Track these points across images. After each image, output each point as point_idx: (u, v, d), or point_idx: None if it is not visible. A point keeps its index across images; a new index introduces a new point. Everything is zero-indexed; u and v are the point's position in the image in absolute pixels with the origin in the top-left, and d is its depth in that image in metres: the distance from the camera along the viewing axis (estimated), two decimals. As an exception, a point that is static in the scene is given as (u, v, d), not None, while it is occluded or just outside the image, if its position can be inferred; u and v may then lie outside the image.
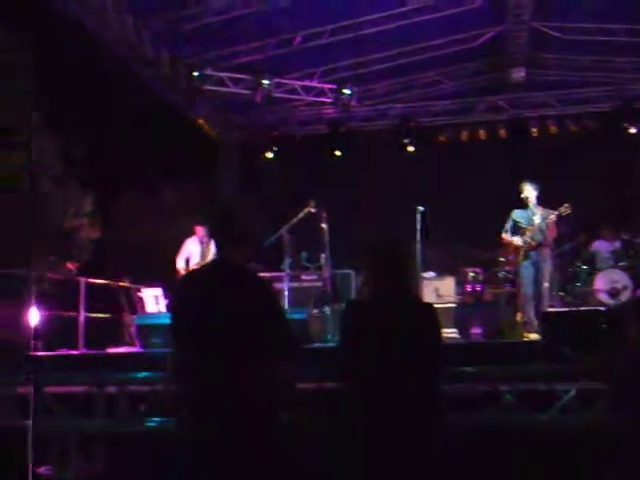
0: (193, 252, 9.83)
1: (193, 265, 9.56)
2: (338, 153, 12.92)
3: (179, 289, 3.80)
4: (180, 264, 9.80)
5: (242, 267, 3.61)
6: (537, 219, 8.64)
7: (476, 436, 4.91)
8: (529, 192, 8.72)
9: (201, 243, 9.84)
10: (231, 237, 3.62)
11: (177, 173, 11.51)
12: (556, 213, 8.65)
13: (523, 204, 8.81)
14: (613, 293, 9.85)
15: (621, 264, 10.47)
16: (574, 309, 8.84)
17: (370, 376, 3.68)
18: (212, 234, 3.84)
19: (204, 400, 3.40)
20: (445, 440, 3.73)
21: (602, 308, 8.26)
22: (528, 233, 8.69)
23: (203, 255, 9.64)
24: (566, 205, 8.68)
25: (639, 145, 12.07)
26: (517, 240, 8.77)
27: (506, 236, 8.90)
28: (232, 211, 3.81)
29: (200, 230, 9.81)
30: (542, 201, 8.89)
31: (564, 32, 11.24)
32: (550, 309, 8.29)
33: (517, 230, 8.84)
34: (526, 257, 8.69)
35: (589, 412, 5.05)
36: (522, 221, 8.80)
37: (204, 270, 4.10)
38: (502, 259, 9.89)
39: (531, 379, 5.51)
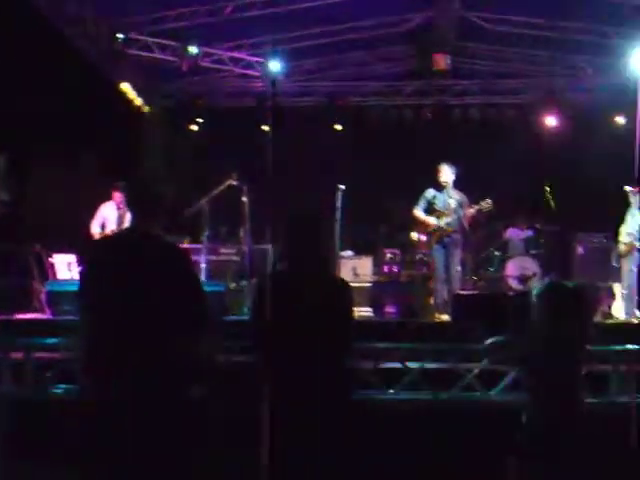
0: (109, 217, 9.63)
1: (109, 231, 9.38)
2: (264, 128, 12.83)
3: (91, 256, 3.69)
4: (95, 229, 9.59)
5: (157, 236, 3.56)
6: (453, 203, 8.75)
7: (380, 412, 5.01)
8: (447, 174, 8.82)
9: (118, 209, 9.66)
10: (145, 205, 3.57)
11: (98, 138, 11.21)
12: (476, 207, 8.80)
13: (440, 187, 8.91)
14: (523, 279, 10.17)
15: (532, 252, 10.83)
16: (484, 292, 9.09)
17: (280, 350, 3.70)
18: (129, 202, 3.76)
19: (113, 369, 3.32)
20: (352, 415, 3.79)
21: (511, 293, 8.53)
22: (444, 218, 8.77)
23: (120, 221, 9.46)
24: (488, 201, 8.82)
25: (555, 136, 12.45)
26: (432, 220, 8.83)
27: (418, 213, 8.94)
28: (147, 179, 3.76)
29: (117, 196, 9.61)
30: (460, 186, 9.06)
31: (491, 23, 11.45)
32: (461, 292, 8.51)
33: (431, 211, 8.92)
34: (439, 241, 8.80)
35: (491, 390, 5.23)
36: (437, 202, 8.86)
37: (118, 238, 4.02)
38: (415, 238, 9.99)
39: (438, 358, 5.67)
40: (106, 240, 3.86)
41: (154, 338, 3.33)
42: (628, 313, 8.93)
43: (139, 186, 3.70)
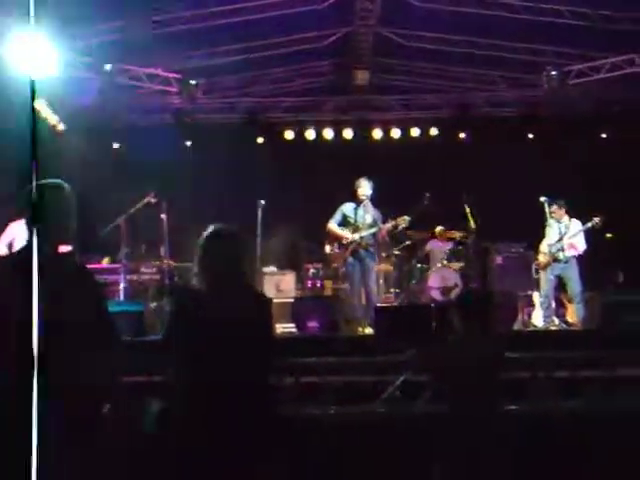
0: (18, 236, 9.28)
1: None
2: (184, 144, 12.73)
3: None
4: (2, 249, 9.24)
5: (59, 256, 3.45)
6: (369, 218, 8.80)
7: (306, 427, 4.97)
8: (365, 189, 8.85)
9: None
10: (49, 220, 3.41)
11: (14, 157, 10.85)
12: (392, 224, 8.86)
13: (357, 201, 8.93)
14: (444, 291, 10.32)
15: (453, 263, 11.00)
16: (405, 304, 9.18)
17: (198, 368, 3.63)
18: (30, 218, 3.61)
19: (20, 394, 3.21)
20: (275, 431, 3.73)
21: (432, 304, 8.62)
22: (359, 232, 8.79)
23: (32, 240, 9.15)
24: (404, 218, 8.89)
25: (470, 151, 12.73)
26: (346, 234, 8.80)
27: (332, 226, 8.93)
28: (51, 193, 3.51)
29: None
30: (381, 202, 9.12)
31: (407, 39, 11.64)
32: (382, 304, 8.56)
33: (346, 225, 8.93)
34: (353, 254, 8.78)
35: (413, 402, 5.24)
36: (352, 216, 8.88)
37: (17, 258, 3.87)
38: (329, 251, 9.97)
39: (361, 371, 5.67)
40: (5, 260, 3.67)
41: (64, 354, 3.23)
42: (546, 321, 9.16)
43: (37, 202, 3.53)
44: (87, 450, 3.26)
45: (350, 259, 8.78)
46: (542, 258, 9.48)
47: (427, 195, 9.72)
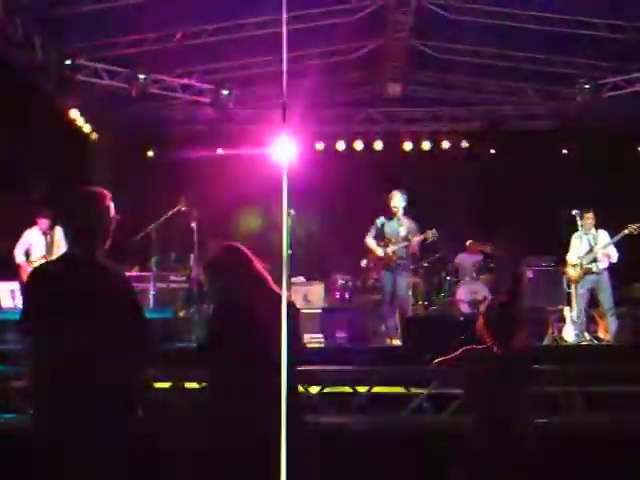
0: (35, 243, 9.42)
1: (38, 258, 9.14)
2: (216, 153, 12.79)
3: (32, 285, 3.57)
4: (20, 258, 9.36)
5: (96, 262, 3.50)
6: (402, 231, 8.85)
7: (327, 438, 4.94)
8: (398, 201, 8.91)
9: (44, 235, 9.46)
10: (82, 230, 3.51)
11: (47, 165, 11.01)
12: (422, 237, 8.90)
13: (391, 213, 8.98)
14: (473, 304, 10.23)
15: (482, 276, 10.92)
16: (434, 316, 9.12)
17: (234, 374, 3.67)
18: (67, 225, 3.67)
19: (60, 399, 3.26)
20: (301, 439, 3.73)
21: (461, 317, 8.56)
22: (391, 246, 8.86)
23: (49, 247, 9.27)
24: (433, 232, 8.93)
25: (499, 165, 12.64)
26: (379, 251, 8.95)
27: (369, 241, 9.07)
28: (83, 203, 3.63)
29: (43, 222, 9.43)
30: (412, 215, 9.13)
31: (439, 51, 11.63)
32: (411, 315, 8.53)
33: (381, 238, 8.99)
34: (386, 268, 8.89)
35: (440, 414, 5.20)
36: (386, 230, 8.97)
37: (55, 265, 3.93)
38: (365, 265, 10.03)
39: (388, 381, 5.63)
40: (44, 269, 3.76)
41: (100, 365, 3.29)
42: (578, 336, 9.00)
43: (71, 210, 3.60)
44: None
45: (384, 272, 8.91)
46: (573, 272, 9.29)
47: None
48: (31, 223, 9.58)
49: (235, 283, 3.84)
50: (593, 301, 9.44)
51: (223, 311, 3.85)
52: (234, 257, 3.92)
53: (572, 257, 9.33)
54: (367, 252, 9.50)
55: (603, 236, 9.20)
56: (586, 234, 9.22)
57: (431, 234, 8.92)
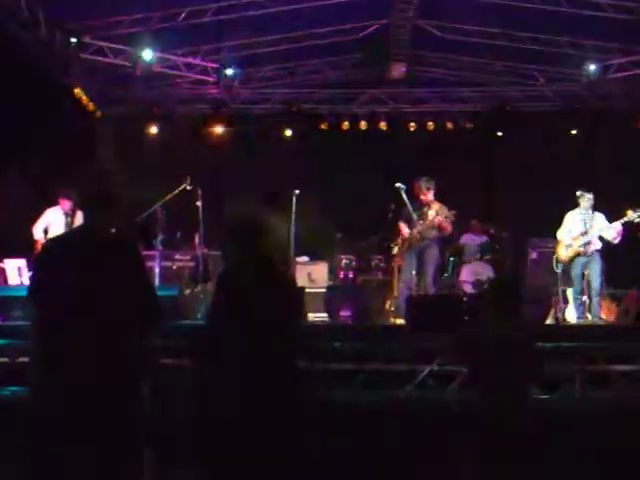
0: (55, 222, 9.43)
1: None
2: (218, 133, 12.81)
3: (45, 256, 3.64)
4: (38, 234, 9.37)
5: (110, 234, 3.57)
6: (431, 214, 8.89)
7: (333, 412, 5.01)
8: (425, 189, 8.96)
9: (66, 215, 9.47)
10: (99, 200, 3.55)
11: (49, 142, 11.03)
12: (450, 214, 8.94)
13: (419, 201, 9.02)
14: (477, 284, 10.25)
15: (486, 257, 10.94)
16: (437, 294, 9.14)
17: (233, 346, 3.71)
18: (81, 198, 3.73)
19: (71, 369, 3.31)
20: (302, 412, 3.78)
21: (464, 297, 8.58)
22: (418, 226, 8.92)
23: (68, 227, 9.29)
24: (453, 212, 8.98)
25: (506, 145, 12.62)
26: (405, 231, 9.02)
27: (400, 224, 9.14)
28: (101, 175, 3.71)
29: (65, 203, 9.43)
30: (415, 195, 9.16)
31: (445, 32, 11.59)
32: (414, 294, 8.57)
33: (409, 220, 9.06)
34: (409, 248, 8.97)
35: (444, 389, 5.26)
36: (415, 215, 8.99)
37: (69, 236, 3.99)
38: (395, 252, 10.06)
39: (392, 359, 5.69)
40: (58, 241, 3.84)
41: (110, 334, 3.34)
42: (580, 317, 8.97)
43: (89, 181, 3.68)
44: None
45: (409, 251, 8.99)
46: (564, 252, 9.05)
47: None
48: (53, 203, 9.57)
49: (243, 254, 3.87)
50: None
51: (223, 289, 3.87)
52: (250, 230, 3.93)
53: (565, 237, 9.10)
54: (395, 237, 9.52)
55: (599, 219, 9.00)
56: (582, 214, 9.02)
57: (451, 215, 8.97)
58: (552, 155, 11.90)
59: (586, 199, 8.96)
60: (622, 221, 8.88)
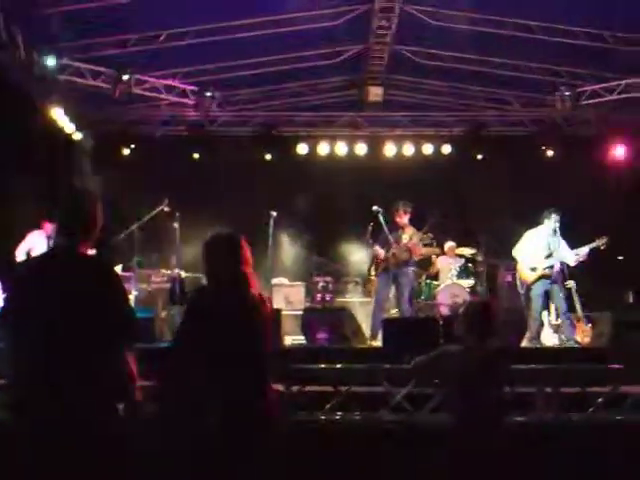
0: (36, 246, 9.40)
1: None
2: (196, 156, 12.83)
3: (15, 278, 3.66)
4: (20, 257, 9.34)
5: (82, 254, 3.57)
6: (405, 238, 9.02)
7: (312, 434, 5.00)
8: (402, 216, 9.08)
9: (48, 239, 9.44)
10: (77, 223, 3.58)
11: (27, 165, 10.97)
12: (425, 236, 9.04)
13: (396, 225, 9.17)
14: (453, 307, 10.31)
15: (462, 280, 11.01)
16: (413, 317, 9.19)
17: (199, 368, 3.71)
18: (58, 220, 3.75)
19: (44, 395, 3.29)
20: (275, 436, 3.76)
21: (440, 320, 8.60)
22: (392, 250, 9.00)
23: None
24: (429, 235, 9.09)
25: (483, 170, 12.75)
26: (381, 253, 9.12)
27: (375, 247, 9.26)
28: (80, 198, 3.77)
29: (48, 226, 9.41)
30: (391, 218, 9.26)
31: (422, 57, 11.74)
32: (389, 317, 8.62)
33: (385, 243, 9.16)
34: (385, 270, 9.04)
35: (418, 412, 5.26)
36: (391, 238, 9.13)
37: (42, 258, 3.98)
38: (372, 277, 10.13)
39: (368, 380, 5.69)
40: (32, 262, 3.87)
41: (81, 354, 3.34)
42: (533, 341, 8.89)
43: (68, 204, 3.70)
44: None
45: (382, 274, 9.15)
46: (529, 274, 9.03)
47: (436, 211, 9.83)
48: (29, 224, 9.53)
49: (215, 270, 3.89)
50: (570, 305, 9.47)
51: (192, 310, 3.88)
52: (225, 246, 3.95)
53: (528, 259, 9.07)
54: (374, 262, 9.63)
55: (562, 243, 9.05)
56: (547, 236, 9.01)
57: (426, 237, 9.10)
58: (527, 179, 12.04)
59: (553, 220, 8.97)
60: (590, 246, 8.99)
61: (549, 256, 8.97)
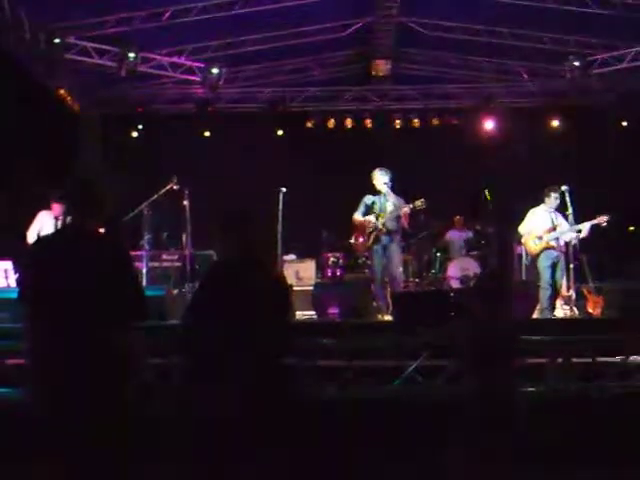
0: (46, 225, 9.44)
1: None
2: (207, 134, 12.82)
3: (32, 256, 3.72)
4: (32, 238, 9.38)
5: (93, 231, 3.61)
6: (389, 206, 8.82)
7: (325, 406, 5.03)
8: (379, 180, 8.87)
9: (56, 219, 9.47)
10: (86, 201, 3.65)
11: (33, 143, 10.99)
12: (410, 206, 8.84)
13: (376, 192, 8.98)
14: (464, 280, 10.31)
15: (472, 253, 10.99)
16: (424, 290, 9.18)
17: (219, 339, 3.73)
18: (68, 199, 3.80)
19: (60, 368, 3.36)
20: (288, 406, 3.79)
21: (451, 293, 8.60)
22: (380, 219, 8.85)
23: None
24: (421, 200, 8.86)
25: (490, 141, 12.67)
26: (371, 219, 8.86)
27: (357, 217, 9.00)
28: (86, 178, 3.87)
29: (56, 207, 9.42)
30: (401, 191, 9.15)
31: (429, 29, 11.62)
32: (401, 290, 8.60)
33: (369, 214, 8.99)
34: (376, 241, 8.83)
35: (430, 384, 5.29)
36: (375, 206, 8.94)
37: (57, 236, 4.02)
38: (354, 241, 10.01)
39: (379, 354, 5.72)
40: (44, 240, 3.94)
41: (94, 332, 3.39)
42: (547, 308, 8.95)
43: (78, 183, 3.75)
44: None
45: (374, 246, 8.83)
46: (534, 245, 9.09)
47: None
48: (39, 204, 9.56)
49: (236, 243, 3.89)
50: (580, 277, 9.50)
51: (210, 281, 3.90)
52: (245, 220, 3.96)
53: (533, 230, 9.13)
54: (356, 229, 9.48)
55: (563, 220, 9.11)
56: (549, 212, 9.11)
57: (420, 202, 8.83)
58: (537, 151, 11.96)
59: (553, 198, 9.09)
60: (591, 223, 9.00)
61: (553, 229, 9.05)
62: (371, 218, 8.87)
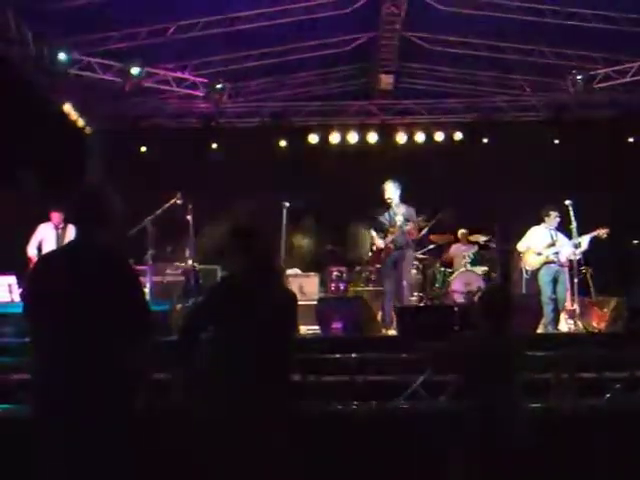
0: (46, 238, 9.47)
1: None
2: (214, 146, 12.88)
3: (36, 272, 3.69)
4: (32, 251, 9.40)
5: (103, 248, 3.60)
6: (399, 220, 8.89)
7: (327, 423, 5.01)
8: (390, 192, 8.97)
9: (56, 229, 9.52)
10: (93, 217, 3.60)
11: (37, 158, 11.02)
12: (414, 225, 8.95)
13: (386, 205, 9.05)
14: (468, 294, 10.29)
15: (476, 267, 10.98)
16: (428, 305, 9.18)
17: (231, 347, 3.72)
18: (74, 214, 3.76)
19: (63, 385, 3.34)
20: (290, 424, 3.77)
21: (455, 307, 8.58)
22: (390, 235, 8.93)
23: (59, 241, 9.31)
24: (422, 216, 9.05)
25: (494, 155, 12.68)
26: (379, 243, 9.02)
27: (372, 234, 9.17)
28: (95, 192, 3.79)
29: (56, 216, 9.48)
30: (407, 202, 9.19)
31: (432, 43, 11.66)
32: (405, 305, 8.60)
33: (381, 229, 9.07)
34: (387, 257, 8.96)
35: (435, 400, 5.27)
36: (383, 221, 9.04)
37: (63, 252, 4.01)
38: (367, 257, 10.08)
39: (383, 369, 5.70)
40: (50, 256, 3.92)
41: (99, 345, 3.37)
42: (550, 323, 8.96)
43: (84, 198, 3.71)
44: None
45: (386, 261, 8.98)
46: (534, 259, 9.23)
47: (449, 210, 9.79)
48: (43, 219, 9.62)
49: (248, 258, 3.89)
50: (586, 290, 9.51)
51: (223, 291, 3.89)
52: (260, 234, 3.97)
53: (533, 246, 9.28)
54: (370, 245, 9.55)
55: (563, 238, 9.25)
56: (549, 229, 9.26)
57: (424, 223, 9.00)
58: (539, 164, 11.96)
59: (552, 217, 9.27)
60: (590, 236, 9.07)
61: (552, 245, 9.19)
62: (378, 241, 9.04)
